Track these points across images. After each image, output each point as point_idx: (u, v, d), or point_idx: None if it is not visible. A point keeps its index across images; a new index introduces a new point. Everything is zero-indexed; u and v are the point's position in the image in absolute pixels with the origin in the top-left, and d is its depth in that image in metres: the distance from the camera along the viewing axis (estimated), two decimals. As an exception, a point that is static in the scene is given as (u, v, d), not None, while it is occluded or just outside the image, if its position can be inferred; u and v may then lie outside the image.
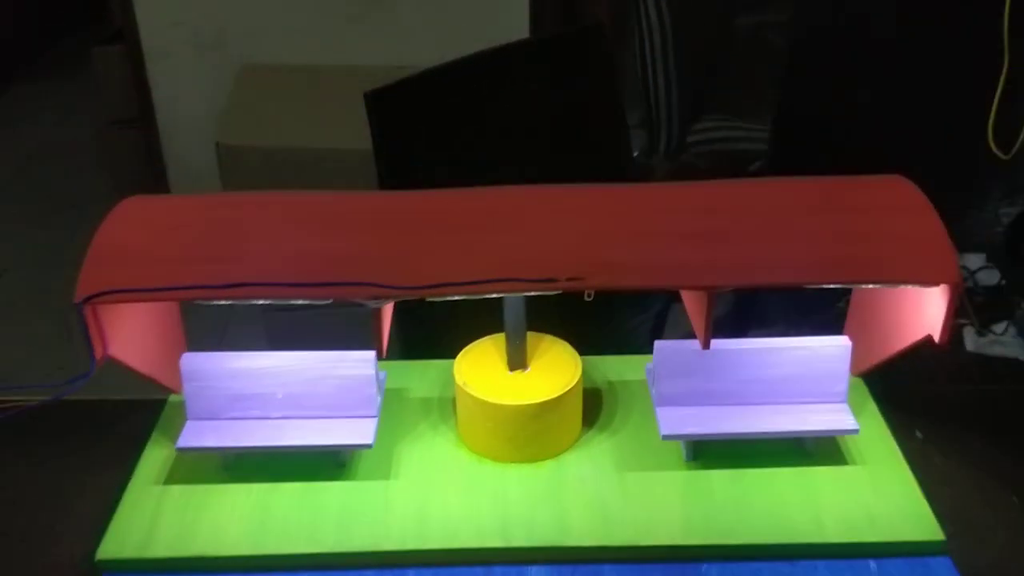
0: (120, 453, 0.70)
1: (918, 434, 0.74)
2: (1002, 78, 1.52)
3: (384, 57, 2.10)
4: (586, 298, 0.59)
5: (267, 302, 0.59)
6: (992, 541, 0.64)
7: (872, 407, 0.72)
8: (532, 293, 0.59)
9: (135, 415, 0.74)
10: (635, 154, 1.92)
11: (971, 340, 1.29)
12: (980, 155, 1.55)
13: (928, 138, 1.58)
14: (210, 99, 2.18)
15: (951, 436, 0.73)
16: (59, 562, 0.62)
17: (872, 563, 0.60)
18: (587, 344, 0.74)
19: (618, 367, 0.76)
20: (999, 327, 1.33)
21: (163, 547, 0.61)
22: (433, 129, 1.11)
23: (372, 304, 0.59)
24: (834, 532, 0.61)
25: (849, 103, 1.53)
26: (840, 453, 0.67)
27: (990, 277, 1.46)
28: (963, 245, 1.43)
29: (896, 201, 0.63)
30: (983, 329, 1.32)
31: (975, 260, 1.47)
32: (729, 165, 1.81)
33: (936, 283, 0.59)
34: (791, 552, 0.61)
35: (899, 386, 0.78)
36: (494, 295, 0.59)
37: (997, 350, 1.30)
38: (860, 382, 0.74)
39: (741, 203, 0.63)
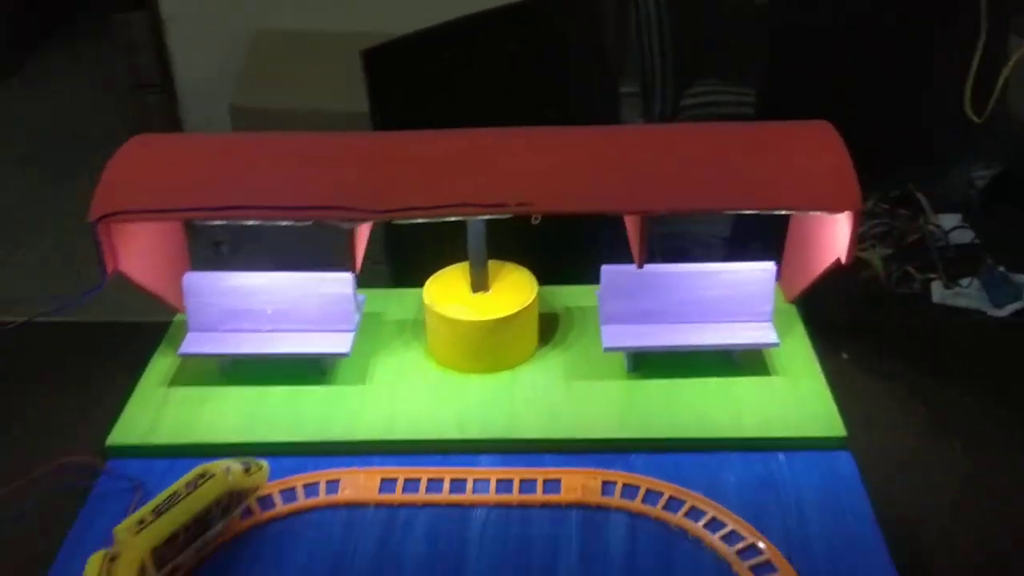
0: (131, 366, 0.79)
1: (844, 355, 0.83)
2: (980, 46, 1.58)
3: (396, 24, 2.16)
4: (533, 221, 0.68)
5: (256, 223, 0.68)
6: (892, 441, 0.72)
7: (800, 329, 0.80)
8: (486, 216, 0.68)
9: (145, 335, 0.83)
10: (641, 118, 2.00)
11: (938, 292, 1.37)
12: (957, 121, 1.61)
13: (907, 104, 1.65)
14: (225, 63, 2.26)
15: (876, 358, 0.82)
16: (73, 454, 0.71)
17: (781, 455, 0.69)
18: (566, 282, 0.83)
19: (577, 295, 0.84)
20: (965, 281, 1.40)
21: (165, 436, 0.71)
22: (427, 87, 1.19)
23: (345, 226, 0.68)
24: (749, 429, 0.70)
25: (830, 71, 1.59)
26: (764, 365, 0.76)
27: (963, 236, 1.53)
28: (940, 206, 1.50)
29: (815, 141, 0.71)
30: (950, 283, 1.40)
31: (950, 220, 1.54)
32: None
33: (841, 210, 0.67)
34: (710, 446, 0.69)
35: (841, 317, 0.86)
36: (452, 218, 0.68)
37: (961, 301, 1.38)
38: (793, 308, 0.82)
39: (678, 142, 0.71)
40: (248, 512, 0.65)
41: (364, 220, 0.68)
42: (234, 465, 0.64)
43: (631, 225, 0.71)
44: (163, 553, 0.59)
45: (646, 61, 1.88)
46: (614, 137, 0.73)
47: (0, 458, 0.72)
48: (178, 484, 0.62)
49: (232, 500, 0.63)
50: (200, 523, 0.61)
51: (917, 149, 1.62)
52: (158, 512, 0.60)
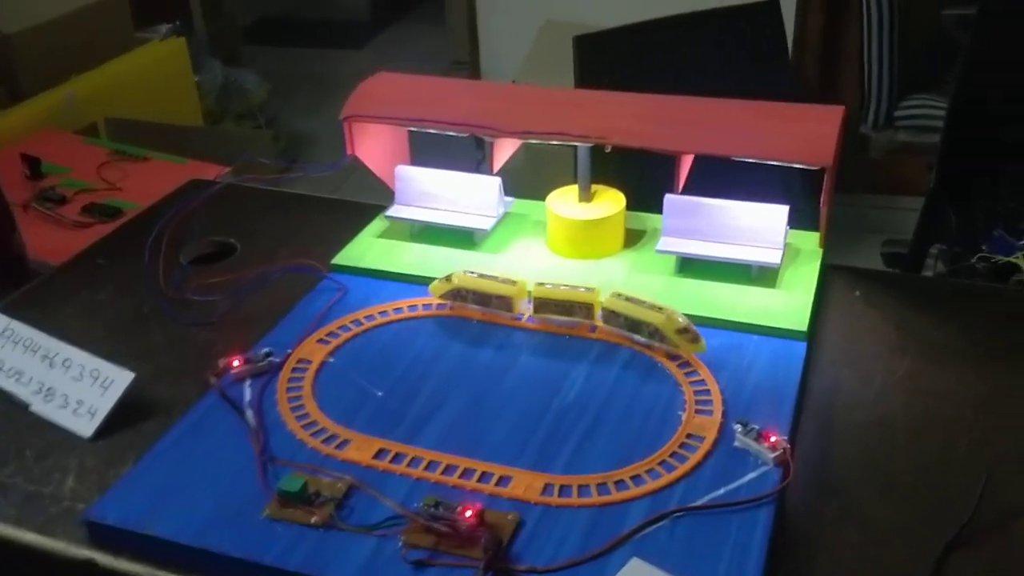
0: (357, 225, 1.20)
1: (856, 293, 1.06)
2: None
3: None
4: (605, 151, 1.00)
5: (435, 131, 1.06)
6: (847, 345, 0.96)
7: (816, 265, 1.05)
8: (576, 144, 1.01)
9: (370, 210, 1.24)
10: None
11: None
12: None
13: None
14: (518, 48, 2.71)
15: (883, 300, 1.04)
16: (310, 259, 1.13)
17: (755, 336, 0.96)
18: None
19: (657, 219, 1.13)
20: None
21: (367, 263, 1.11)
22: (623, 76, 1.52)
23: (488, 139, 1.04)
24: (739, 315, 0.97)
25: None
26: (773, 281, 1.02)
27: None
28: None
29: (820, 117, 0.97)
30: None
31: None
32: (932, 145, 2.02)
33: (816, 164, 0.93)
34: (709, 323, 0.97)
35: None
36: (554, 142, 1.02)
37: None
38: (820, 250, 1.07)
39: (714, 108, 1.00)
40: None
41: (499, 137, 1.04)
42: (675, 318, 0.92)
43: (677, 163, 1.01)
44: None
45: (866, 70, 2.07)
46: (675, 102, 1.03)
47: (256, 261, 1.16)
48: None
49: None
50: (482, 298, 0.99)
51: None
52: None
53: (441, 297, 1.01)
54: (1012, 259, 1.65)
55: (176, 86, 2.51)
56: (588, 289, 0.97)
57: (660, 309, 0.92)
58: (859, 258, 2.71)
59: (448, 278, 1.00)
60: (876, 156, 2.21)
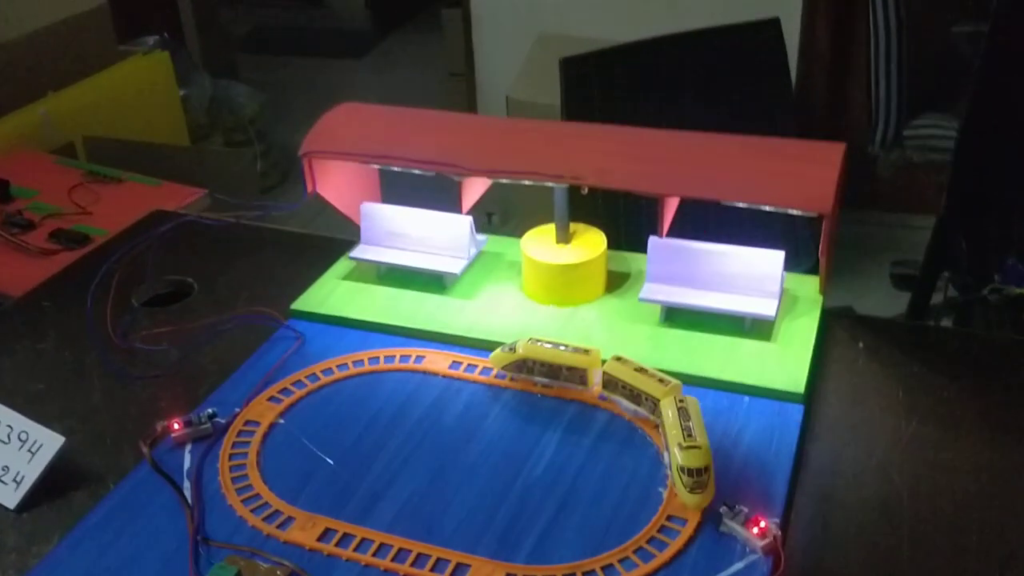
0: (324, 264, 1.12)
1: (860, 345, 0.97)
2: None
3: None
4: (582, 192, 0.91)
5: (400, 169, 0.97)
6: (848, 407, 0.87)
7: (815, 314, 0.96)
8: (550, 184, 0.93)
9: (340, 245, 1.16)
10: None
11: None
12: None
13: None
14: (513, 60, 2.62)
15: (888, 353, 0.96)
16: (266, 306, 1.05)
17: (747, 398, 0.87)
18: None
19: (642, 260, 1.05)
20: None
21: (330, 309, 1.02)
22: (612, 97, 1.43)
23: (456, 178, 0.96)
24: (729, 374, 0.89)
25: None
26: (768, 334, 0.94)
27: None
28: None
29: (818, 155, 0.88)
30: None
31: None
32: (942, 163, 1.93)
33: (814, 211, 0.84)
34: (697, 382, 0.89)
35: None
36: (527, 182, 0.93)
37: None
38: (820, 297, 0.98)
39: (703, 144, 0.92)
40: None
41: (467, 176, 0.95)
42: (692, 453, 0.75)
43: (662, 205, 0.92)
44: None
45: (873, 89, 1.98)
46: (660, 136, 0.94)
47: (213, 303, 1.08)
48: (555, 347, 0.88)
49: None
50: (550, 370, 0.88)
51: None
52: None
53: (504, 368, 0.90)
54: (1025, 291, 1.56)
55: (160, 101, 2.43)
56: (663, 381, 0.82)
57: (689, 435, 0.76)
58: (867, 279, 2.61)
59: (512, 347, 0.88)
60: (884, 174, 2.12)
